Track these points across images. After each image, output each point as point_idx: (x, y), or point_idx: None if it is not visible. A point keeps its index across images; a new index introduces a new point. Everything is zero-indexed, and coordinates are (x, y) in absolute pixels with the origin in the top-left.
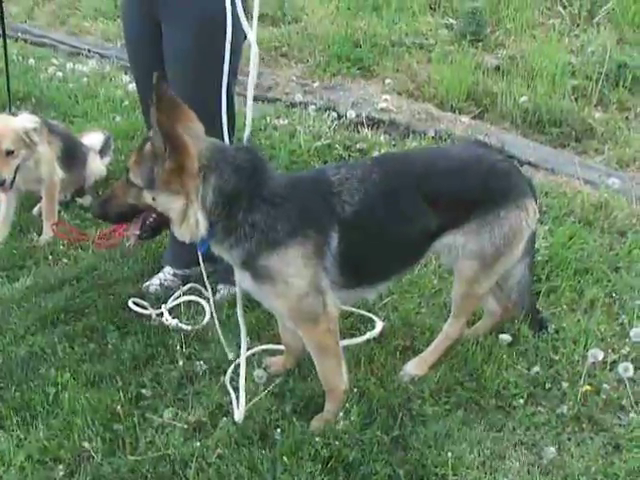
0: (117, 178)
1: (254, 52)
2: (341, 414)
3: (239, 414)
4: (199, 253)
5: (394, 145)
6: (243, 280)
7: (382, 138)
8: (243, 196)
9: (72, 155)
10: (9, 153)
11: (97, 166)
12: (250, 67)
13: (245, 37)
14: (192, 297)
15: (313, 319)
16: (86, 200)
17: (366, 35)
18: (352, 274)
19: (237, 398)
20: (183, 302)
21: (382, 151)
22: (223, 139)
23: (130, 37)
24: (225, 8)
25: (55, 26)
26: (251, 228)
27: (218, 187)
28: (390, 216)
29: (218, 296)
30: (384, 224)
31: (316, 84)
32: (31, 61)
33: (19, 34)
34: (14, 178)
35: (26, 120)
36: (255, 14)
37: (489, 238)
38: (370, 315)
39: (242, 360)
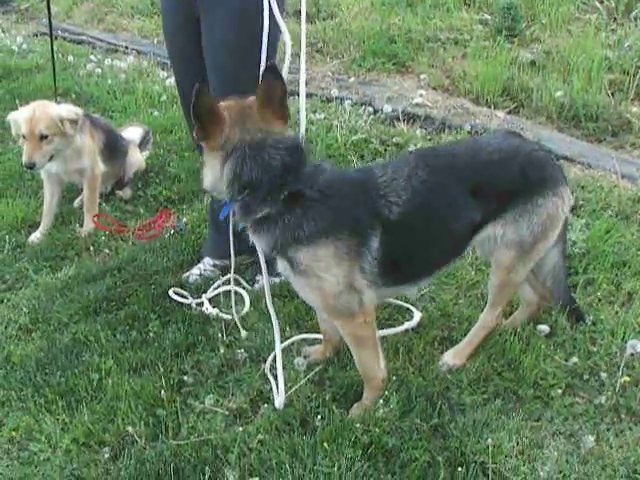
0: (156, 171)
1: (303, 50)
2: (381, 402)
3: (279, 401)
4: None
5: (430, 140)
6: (282, 268)
7: (418, 132)
8: (269, 185)
9: (113, 148)
10: (43, 137)
11: (137, 159)
12: (300, 64)
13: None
14: (230, 287)
15: (348, 314)
16: (126, 193)
17: (401, 30)
18: (394, 274)
19: (277, 385)
20: (223, 292)
21: (418, 146)
22: None
23: (169, 30)
24: (262, 1)
25: (93, 24)
26: (282, 219)
27: (241, 168)
28: (438, 212)
29: (257, 286)
30: (432, 221)
31: (351, 79)
32: (70, 58)
33: (59, 32)
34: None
35: (64, 109)
36: (303, 10)
37: (527, 227)
38: (408, 306)
39: (277, 348)
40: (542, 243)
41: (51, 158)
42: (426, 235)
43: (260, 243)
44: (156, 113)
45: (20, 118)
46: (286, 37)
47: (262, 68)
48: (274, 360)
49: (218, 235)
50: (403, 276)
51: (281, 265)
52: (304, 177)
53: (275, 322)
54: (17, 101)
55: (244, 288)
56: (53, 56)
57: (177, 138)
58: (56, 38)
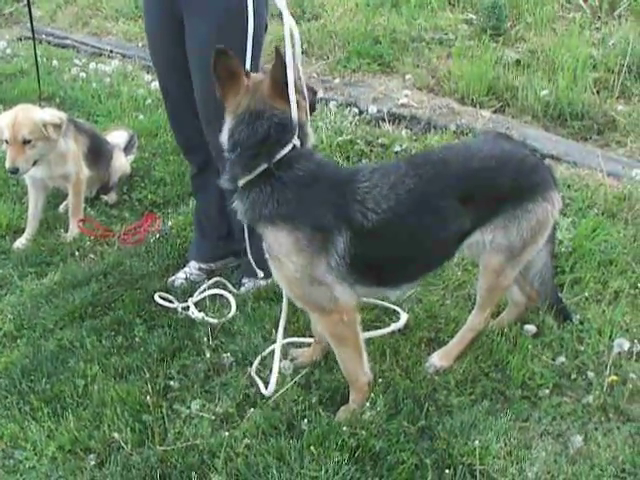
0: (141, 175)
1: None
2: (367, 404)
3: (270, 389)
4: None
5: (415, 140)
6: (264, 243)
7: (403, 133)
8: (249, 150)
9: (98, 153)
10: (26, 142)
11: (122, 163)
12: (287, 55)
13: (266, 29)
14: (218, 290)
15: (322, 308)
16: (111, 197)
17: (386, 31)
18: (371, 276)
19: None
20: (209, 295)
21: (404, 146)
22: None
23: (151, 31)
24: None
25: (77, 27)
26: (253, 192)
27: (236, 129)
28: (423, 222)
29: (243, 289)
30: (415, 230)
31: (337, 80)
32: (55, 62)
33: (43, 36)
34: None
35: (47, 113)
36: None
37: (517, 232)
38: (394, 307)
39: (280, 331)
40: (531, 247)
41: (35, 163)
42: (408, 244)
43: (238, 209)
44: (141, 117)
45: (2, 123)
46: (292, 23)
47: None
48: (260, 363)
49: (203, 239)
50: (382, 279)
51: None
52: (282, 158)
53: (285, 303)
54: (1, 106)
55: (230, 291)
56: (37, 60)
57: (162, 142)
58: (40, 42)
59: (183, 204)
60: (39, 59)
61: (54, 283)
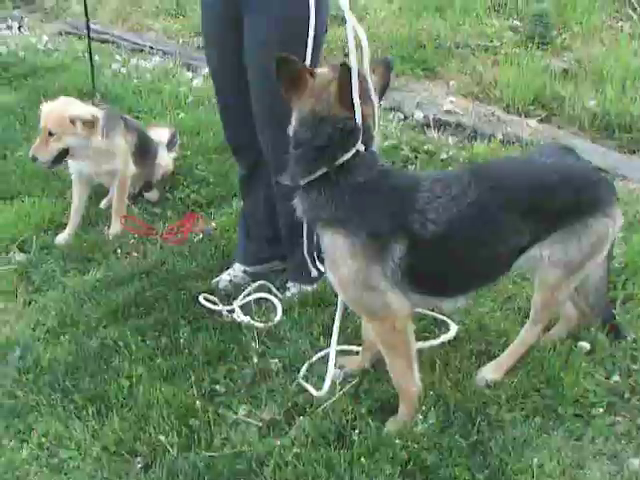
0: (184, 174)
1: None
2: (419, 417)
3: (323, 391)
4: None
5: (461, 148)
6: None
7: (450, 140)
8: (311, 152)
9: (145, 150)
10: (51, 134)
11: (166, 161)
12: (351, 60)
13: (326, 30)
14: (263, 294)
15: (374, 314)
16: (153, 194)
17: (430, 36)
18: (425, 285)
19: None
20: (254, 299)
21: (450, 154)
22: None
23: (209, 31)
24: (309, 5)
25: (117, 23)
26: (313, 193)
27: (300, 127)
28: (483, 236)
29: (288, 294)
30: (474, 244)
31: None
32: (95, 58)
33: (83, 31)
34: (57, 162)
35: (79, 109)
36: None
37: (576, 247)
38: (444, 318)
39: (334, 336)
40: (589, 263)
41: (64, 156)
42: (466, 256)
43: (297, 207)
44: (182, 114)
45: (42, 111)
46: (357, 26)
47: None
48: (307, 369)
49: (249, 241)
50: (437, 289)
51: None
52: (343, 163)
53: (340, 306)
54: (43, 99)
55: (275, 296)
56: (91, 57)
57: (204, 140)
58: (80, 37)
59: (226, 204)
60: (79, 54)
61: (97, 280)
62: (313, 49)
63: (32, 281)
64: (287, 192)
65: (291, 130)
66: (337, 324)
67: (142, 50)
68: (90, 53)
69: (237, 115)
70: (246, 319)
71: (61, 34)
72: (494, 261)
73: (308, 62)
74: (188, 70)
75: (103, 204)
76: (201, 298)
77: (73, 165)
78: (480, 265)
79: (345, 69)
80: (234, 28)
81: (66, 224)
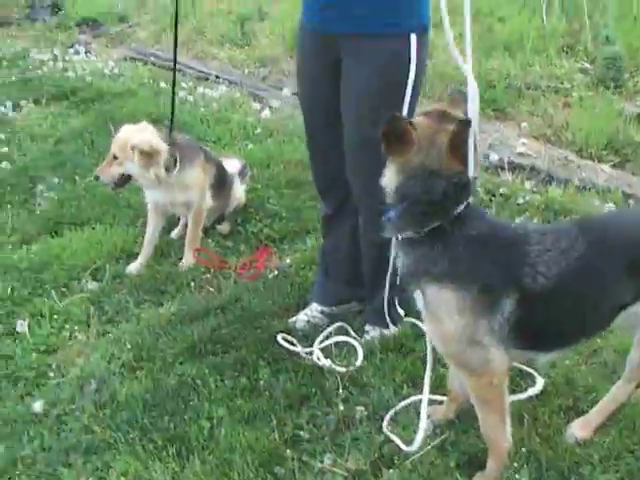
0: (256, 207)
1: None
2: (513, 474)
3: (415, 446)
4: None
5: (536, 192)
6: (417, 298)
7: (527, 185)
8: (422, 207)
9: (222, 183)
10: (115, 157)
11: (240, 194)
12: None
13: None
14: (345, 337)
15: (473, 369)
16: (225, 227)
17: (500, 75)
18: (527, 340)
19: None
20: (332, 340)
21: (527, 199)
22: None
23: (304, 69)
24: (411, 45)
25: (182, 51)
26: (421, 247)
27: (407, 181)
28: (589, 291)
29: (368, 337)
30: (580, 299)
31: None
32: (162, 84)
33: (151, 58)
34: (120, 185)
35: (141, 138)
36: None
37: None
38: (530, 370)
39: (425, 387)
40: None
41: (126, 181)
42: (571, 310)
43: (400, 261)
44: (251, 146)
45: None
46: (470, 81)
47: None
48: (392, 417)
49: (328, 281)
50: (538, 343)
51: (417, 294)
52: (456, 216)
53: (430, 356)
54: (111, 125)
55: (354, 339)
56: (173, 92)
57: (275, 173)
58: (145, 63)
59: (299, 241)
60: (145, 80)
61: (171, 314)
62: (412, 93)
63: (105, 311)
64: (373, 236)
65: (389, 183)
66: (428, 376)
67: (207, 78)
68: (173, 88)
69: (327, 156)
70: (327, 362)
71: (126, 59)
72: (597, 316)
73: (406, 106)
74: (255, 100)
75: (174, 234)
76: (279, 338)
77: (149, 194)
78: (582, 320)
79: (463, 124)
80: (330, 71)
81: (138, 253)
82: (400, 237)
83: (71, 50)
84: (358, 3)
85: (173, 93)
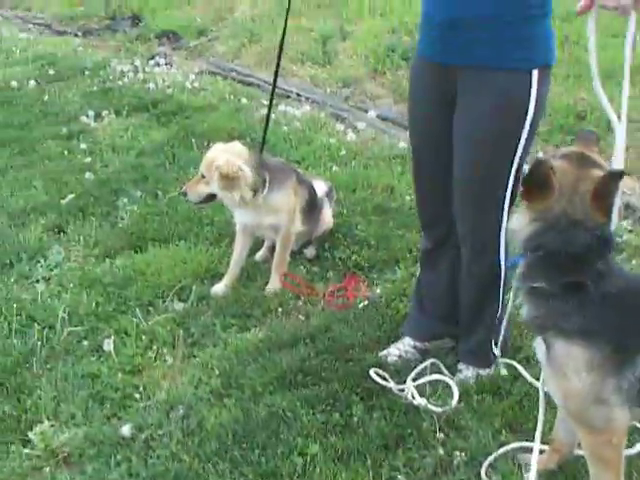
0: (343, 233)
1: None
2: None
3: None
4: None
5: (632, 231)
6: (539, 347)
7: (623, 223)
8: (559, 259)
9: (313, 207)
10: (203, 176)
11: (329, 218)
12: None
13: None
14: (438, 376)
15: (593, 427)
16: (311, 251)
17: (591, 107)
18: None
19: None
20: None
21: (624, 238)
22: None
23: (417, 103)
24: (532, 81)
25: (261, 67)
26: (553, 301)
27: (545, 231)
28: None
29: (461, 376)
30: None
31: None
32: (243, 100)
33: (232, 73)
34: (204, 202)
35: (227, 161)
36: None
37: None
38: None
39: (537, 436)
40: None
41: (211, 199)
42: None
43: (526, 311)
44: (335, 168)
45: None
46: (620, 135)
47: (516, 161)
48: (490, 464)
49: (422, 315)
50: None
51: (539, 344)
52: (596, 271)
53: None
54: (192, 139)
55: (445, 376)
56: (268, 117)
57: (361, 198)
58: (225, 78)
59: (389, 270)
60: (226, 96)
61: (259, 340)
62: (529, 132)
63: (191, 333)
64: (477, 275)
65: (522, 230)
66: (540, 429)
67: (288, 96)
68: (269, 110)
69: (434, 191)
70: (422, 401)
71: (206, 73)
72: None
73: (521, 147)
74: (338, 121)
75: (259, 257)
76: (372, 372)
77: (237, 215)
78: None
79: (615, 176)
80: (445, 105)
81: (222, 274)
82: (528, 286)
83: (151, 62)
84: (483, 33)
85: (268, 115)
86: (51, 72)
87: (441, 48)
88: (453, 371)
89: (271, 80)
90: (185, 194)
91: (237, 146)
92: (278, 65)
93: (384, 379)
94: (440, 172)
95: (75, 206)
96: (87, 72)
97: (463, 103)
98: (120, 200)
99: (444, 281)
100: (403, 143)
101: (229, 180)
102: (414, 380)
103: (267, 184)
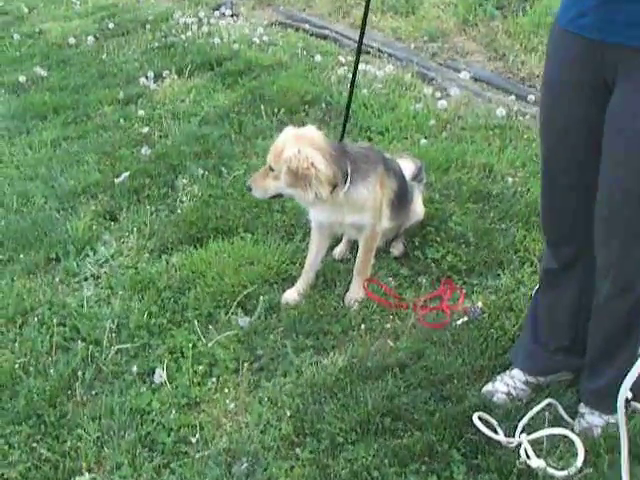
0: (435, 226)
1: None
2: None
3: None
4: None
5: None
6: None
7: None
8: None
9: (404, 199)
10: (272, 169)
11: (420, 208)
12: None
13: None
14: (558, 430)
15: None
16: (398, 248)
17: None
18: None
19: None
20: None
21: None
22: None
23: (557, 88)
24: None
25: (337, 17)
26: None
27: None
28: None
29: (585, 423)
30: None
31: None
32: (317, 57)
33: (305, 25)
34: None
35: (298, 154)
36: None
37: None
38: None
39: None
40: None
41: (281, 195)
42: None
43: None
44: (424, 141)
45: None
46: None
47: None
48: None
49: (537, 345)
50: None
51: None
52: None
53: None
54: (261, 105)
55: (566, 422)
56: (352, 86)
57: (455, 179)
58: (296, 30)
59: (490, 275)
60: (297, 51)
61: (339, 370)
62: None
63: (258, 356)
64: (618, 310)
65: None
66: None
67: (368, 52)
68: (352, 85)
69: (569, 200)
70: (541, 464)
71: (275, 24)
72: None
73: None
74: (425, 82)
75: (337, 254)
76: (476, 419)
77: (313, 213)
78: None
79: None
80: (597, 94)
81: (295, 277)
82: None
83: (216, 12)
84: None
85: (350, 94)
86: (111, 26)
87: (596, 19)
88: (572, 412)
89: (348, 33)
90: (250, 189)
91: (311, 132)
92: (364, 24)
93: (489, 426)
94: (580, 177)
95: (129, 187)
96: (148, 25)
97: (621, 94)
98: (179, 179)
99: (568, 307)
100: (502, 109)
101: (300, 177)
102: (528, 427)
103: (349, 177)
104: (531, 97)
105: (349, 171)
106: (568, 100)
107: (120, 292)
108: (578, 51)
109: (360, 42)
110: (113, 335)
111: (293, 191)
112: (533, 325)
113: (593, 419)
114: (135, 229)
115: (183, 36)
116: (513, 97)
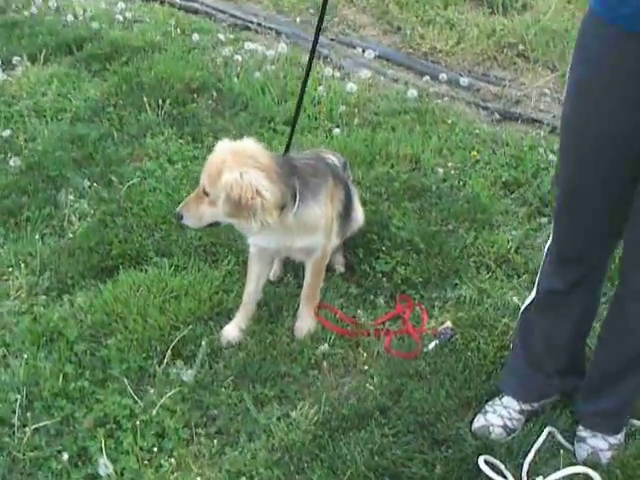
0: (376, 232)
1: None
2: None
3: None
4: None
5: None
6: None
7: None
8: None
9: (349, 207)
10: (206, 193)
11: (360, 213)
12: None
13: None
14: (572, 469)
15: None
16: (340, 262)
17: None
18: None
19: None
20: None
21: None
22: None
23: (593, 88)
24: None
25: None
26: None
27: None
28: None
29: (587, 449)
30: None
31: None
32: (195, 37)
33: None
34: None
35: (238, 180)
36: None
37: None
38: None
39: None
40: None
41: (217, 223)
42: None
43: None
44: (337, 130)
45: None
46: None
47: None
48: None
49: (532, 370)
50: None
51: None
52: None
53: None
54: (142, 95)
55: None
56: (304, 86)
57: (383, 175)
58: (162, 3)
59: (449, 286)
60: (171, 29)
61: (313, 424)
62: None
63: (212, 416)
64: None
65: None
66: None
67: (248, 28)
68: (304, 84)
69: (591, 216)
70: None
71: None
72: None
73: None
74: (319, 60)
75: (271, 275)
76: (481, 463)
77: (255, 240)
78: None
79: None
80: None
81: (232, 309)
82: None
83: None
84: None
85: (301, 97)
86: None
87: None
88: (567, 436)
89: (222, 6)
90: (181, 217)
91: (251, 147)
92: (321, 19)
93: (494, 468)
94: (610, 193)
95: (2, 209)
96: None
97: None
98: (62, 194)
99: (569, 330)
100: (413, 91)
101: (243, 208)
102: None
103: (298, 196)
104: (443, 75)
105: (298, 189)
106: (609, 107)
107: (19, 349)
108: (623, 46)
109: (315, 40)
110: (24, 410)
111: (234, 220)
112: (525, 348)
113: (597, 442)
114: (21, 263)
115: (26, 12)
116: (422, 76)
